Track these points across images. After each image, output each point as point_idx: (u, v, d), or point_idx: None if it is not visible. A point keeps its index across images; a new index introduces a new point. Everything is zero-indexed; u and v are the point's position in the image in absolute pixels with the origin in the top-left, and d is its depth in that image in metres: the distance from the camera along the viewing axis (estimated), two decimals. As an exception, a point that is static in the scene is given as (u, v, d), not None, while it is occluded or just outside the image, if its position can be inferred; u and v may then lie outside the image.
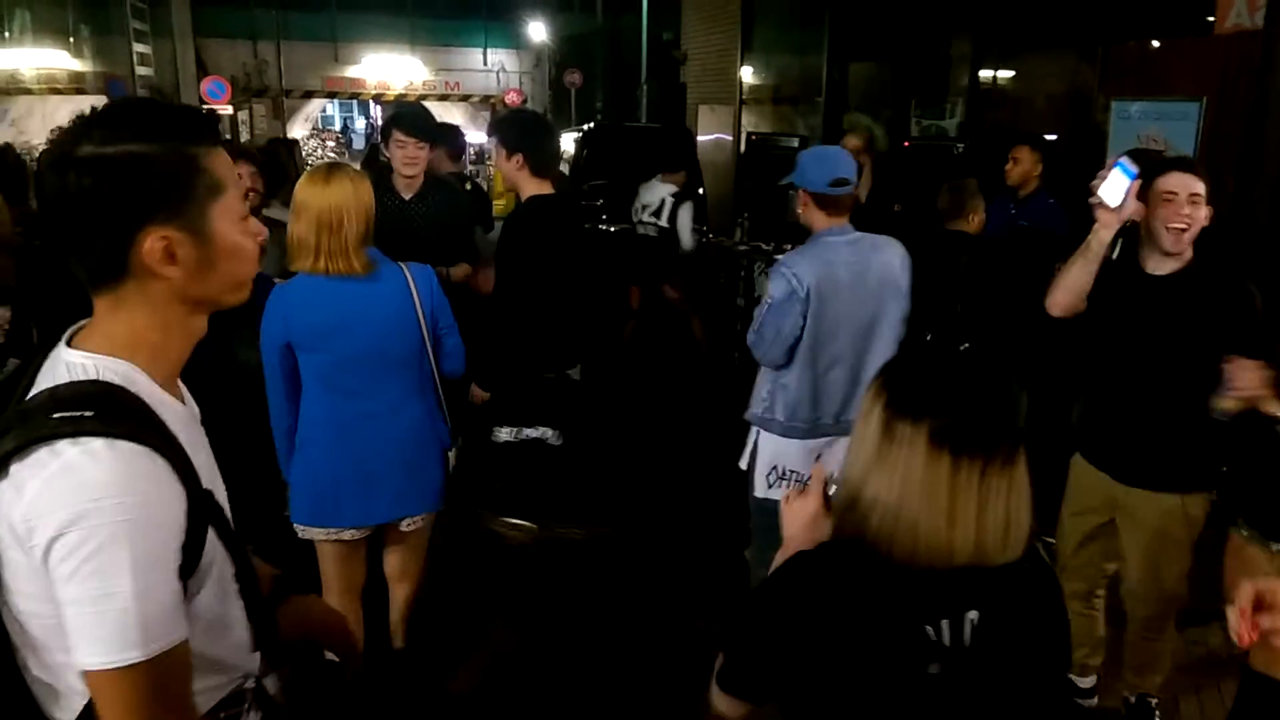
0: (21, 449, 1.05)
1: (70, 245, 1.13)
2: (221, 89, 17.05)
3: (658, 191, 6.59)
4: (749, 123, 12.10)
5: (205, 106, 15.99)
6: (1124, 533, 2.87)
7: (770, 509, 2.92)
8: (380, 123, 33.38)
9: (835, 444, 3.06)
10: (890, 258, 3.02)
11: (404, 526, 2.76)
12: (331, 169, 2.60)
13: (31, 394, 1.13)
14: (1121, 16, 7.02)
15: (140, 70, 17.04)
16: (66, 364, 1.14)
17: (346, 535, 2.70)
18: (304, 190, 2.53)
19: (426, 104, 25.65)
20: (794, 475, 3.10)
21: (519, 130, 3.42)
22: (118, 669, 1.06)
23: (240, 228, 1.21)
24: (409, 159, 3.79)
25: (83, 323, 1.20)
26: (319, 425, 2.62)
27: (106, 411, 1.08)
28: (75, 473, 1.04)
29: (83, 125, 1.11)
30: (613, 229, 8.35)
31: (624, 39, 19.06)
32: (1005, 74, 9.37)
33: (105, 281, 1.15)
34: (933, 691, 1.27)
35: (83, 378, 1.12)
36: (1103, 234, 2.70)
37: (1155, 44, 5.60)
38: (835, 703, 1.30)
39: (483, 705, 2.95)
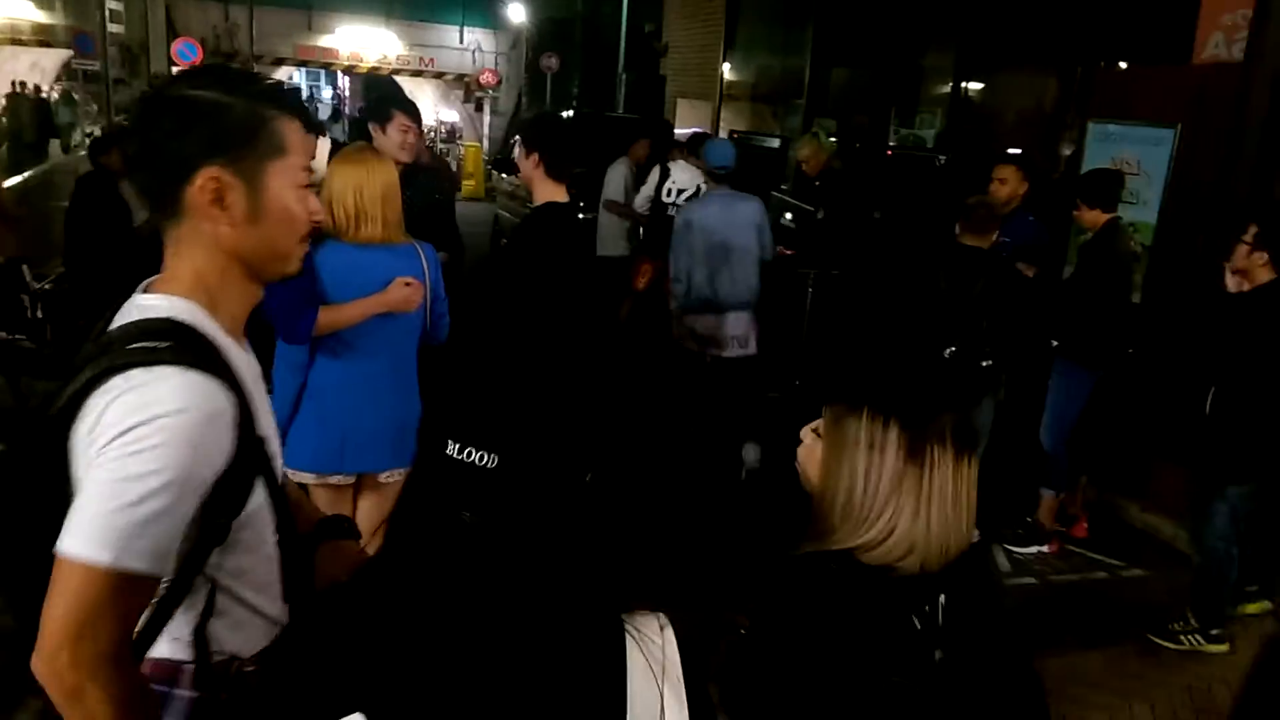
0: (100, 377, 1.12)
1: (142, 174, 1.26)
2: (193, 50, 16.68)
3: (693, 176, 6.38)
4: (727, 119, 12.12)
5: (175, 68, 15.62)
6: None
7: None
8: (348, 95, 32.93)
9: None
10: (737, 216, 4.74)
11: (383, 478, 3.01)
12: (370, 149, 2.87)
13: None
14: (1101, 39, 7.12)
15: (111, 27, 16.56)
16: (138, 306, 1.23)
17: (334, 480, 2.91)
18: (358, 168, 2.76)
19: (398, 79, 24.94)
20: None
21: (539, 129, 3.46)
22: (79, 563, 1.08)
23: (296, 195, 1.28)
24: (409, 144, 3.86)
25: (156, 276, 1.29)
26: (334, 379, 2.85)
27: (182, 345, 1.16)
28: (141, 391, 1.11)
29: (181, 74, 1.29)
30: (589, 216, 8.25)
31: (604, 26, 18.90)
32: (984, 87, 9.48)
33: (165, 214, 1.24)
34: (935, 678, 1.29)
35: (155, 316, 1.19)
36: None
37: (1131, 68, 5.69)
38: (849, 712, 1.31)
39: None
